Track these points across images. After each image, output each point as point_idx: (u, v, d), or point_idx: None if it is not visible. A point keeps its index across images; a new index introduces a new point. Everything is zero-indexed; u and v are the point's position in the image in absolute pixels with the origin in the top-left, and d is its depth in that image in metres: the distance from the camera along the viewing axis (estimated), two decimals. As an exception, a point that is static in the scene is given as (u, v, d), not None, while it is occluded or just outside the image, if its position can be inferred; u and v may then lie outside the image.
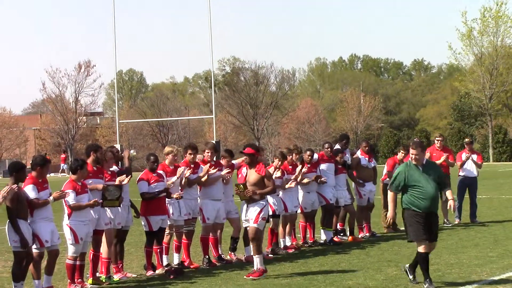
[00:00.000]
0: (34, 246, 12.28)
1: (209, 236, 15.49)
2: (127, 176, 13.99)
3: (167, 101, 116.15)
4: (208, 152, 15.70)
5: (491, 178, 44.86)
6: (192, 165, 15.34)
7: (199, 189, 15.53)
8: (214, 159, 15.85)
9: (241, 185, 13.80)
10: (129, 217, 14.45)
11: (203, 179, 15.25)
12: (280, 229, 17.04)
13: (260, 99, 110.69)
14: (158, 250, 14.63)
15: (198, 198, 15.49)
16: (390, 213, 12.70)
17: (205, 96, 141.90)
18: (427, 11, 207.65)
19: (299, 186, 17.43)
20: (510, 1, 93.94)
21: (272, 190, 14.18)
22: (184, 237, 15.19)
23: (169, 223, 14.83)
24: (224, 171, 15.56)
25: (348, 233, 18.73)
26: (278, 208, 16.66)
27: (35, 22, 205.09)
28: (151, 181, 14.43)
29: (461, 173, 21.76)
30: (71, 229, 12.89)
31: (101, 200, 13.27)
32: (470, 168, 21.72)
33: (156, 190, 14.31)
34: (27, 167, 12.70)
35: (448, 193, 12.65)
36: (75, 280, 13.04)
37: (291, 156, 17.32)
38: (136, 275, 14.39)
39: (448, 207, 12.69)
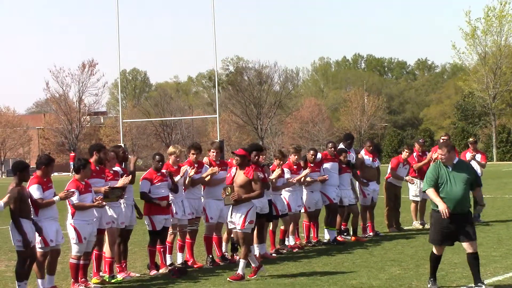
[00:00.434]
0: (38, 246, 12.29)
1: (213, 236, 15.50)
2: (130, 183, 14.01)
3: (170, 101, 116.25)
4: (213, 152, 15.70)
5: (495, 178, 44.86)
6: (195, 165, 15.35)
7: (202, 189, 15.53)
8: (219, 158, 15.85)
9: (229, 188, 13.56)
10: (133, 216, 14.45)
11: (206, 179, 15.26)
12: (283, 228, 17.04)
13: (263, 99, 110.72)
14: (162, 249, 14.64)
15: (202, 197, 15.49)
16: (442, 205, 11.66)
17: (208, 96, 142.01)
18: (430, 11, 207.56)
19: (302, 185, 17.45)
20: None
21: (258, 195, 13.85)
22: (187, 236, 15.20)
23: (172, 222, 14.83)
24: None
25: (351, 233, 18.71)
26: (282, 208, 16.66)
27: (38, 21, 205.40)
28: (155, 181, 14.44)
29: (465, 173, 21.71)
30: (74, 228, 12.90)
31: (103, 198, 13.26)
32: (474, 167, 21.66)
33: (156, 196, 14.32)
34: (31, 166, 12.71)
35: (478, 195, 12.37)
36: (79, 279, 13.05)
37: (296, 156, 17.32)
38: (139, 275, 14.39)
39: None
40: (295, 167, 17.26)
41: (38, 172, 12.55)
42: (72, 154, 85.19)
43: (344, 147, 19.02)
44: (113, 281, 13.66)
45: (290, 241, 17.19)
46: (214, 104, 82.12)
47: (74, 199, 12.76)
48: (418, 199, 20.77)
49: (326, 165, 18.02)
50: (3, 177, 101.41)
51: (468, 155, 21.64)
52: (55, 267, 12.73)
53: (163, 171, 14.64)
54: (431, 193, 11.81)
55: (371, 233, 19.14)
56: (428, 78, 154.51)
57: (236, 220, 13.59)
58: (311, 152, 17.98)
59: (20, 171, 12.12)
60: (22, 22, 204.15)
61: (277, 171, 16.32)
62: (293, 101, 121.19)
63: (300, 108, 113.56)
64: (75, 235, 12.90)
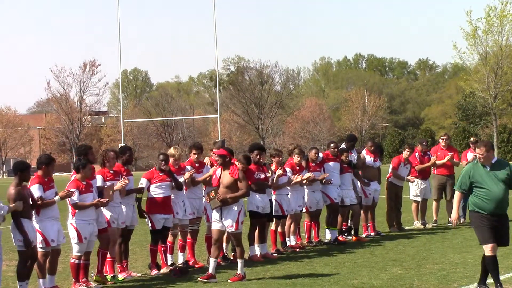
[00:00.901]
0: (39, 245, 12.29)
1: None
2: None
3: (171, 101, 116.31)
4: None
5: (496, 178, 44.83)
6: (197, 165, 15.35)
7: (204, 188, 15.52)
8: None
9: (212, 192, 13.37)
10: (134, 216, 14.44)
11: (207, 179, 15.24)
12: (285, 228, 17.05)
13: (264, 98, 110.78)
14: (163, 249, 14.64)
15: (203, 197, 15.48)
16: (454, 214, 11.77)
17: (209, 96, 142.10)
18: (431, 11, 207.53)
19: (304, 185, 17.45)
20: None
21: (245, 194, 13.79)
22: (188, 236, 15.19)
23: (174, 222, 14.83)
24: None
25: (352, 233, 18.70)
26: (288, 208, 16.67)
27: (40, 21, 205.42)
28: (154, 180, 14.45)
29: (466, 173, 21.68)
30: (75, 228, 12.89)
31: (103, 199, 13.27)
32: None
33: (157, 196, 14.33)
34: (32, 166, 12.70)
35: None
36: (80, 279, 13.04)
37: (299, 157, 17.29)
38: (140, 274, 14.39)
39: None
40: (297, 167, 17.25)
41: (39, 172, 12.55)
42: None
43: (346, 147, 19.00)
44: (114, 280, 13.67)
45: (292, 241, 17.19)
46: (215, 104, 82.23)
47: (75, 198, 12.76)
48: (418, 199, 20.76)
49: (328, 165, 18.00)
50: (4, 177, 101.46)
51: (469, 155, 21.62)
52: (56, 267, 12.73)
53: (162, 168, 14.62)
54: (456, 197, 11.58)
55: (372, 233, 19.14)
56: (429, 78, 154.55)
57: (229, 223, 13.45)
58: (313, 151, 17.98)
59: (21, 171, 12.11)
60: (23, 22, 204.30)
61: (278, 171, 16.32)
62: (294, 101, 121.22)
63: (301, 108, 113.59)
64: (76, 235, 12.90)
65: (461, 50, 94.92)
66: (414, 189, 20.77)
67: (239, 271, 13.35)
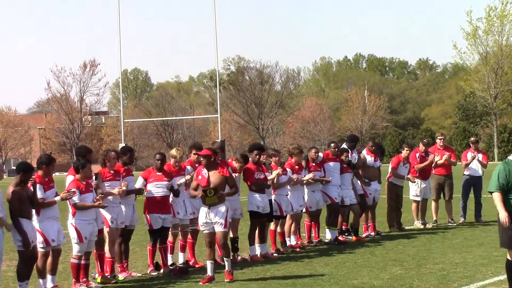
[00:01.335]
0: (40, 245, 12.29)
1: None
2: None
3: (172, 100, 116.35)
4: (215, 152, 15.67)
5: (496, 178, 44.81)
6: (197, 165, 15.34)
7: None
8: (220, 158, 15.83)
9: (212, 190, 13.24)
10: (134, 216, 14.45)
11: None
12: (286, 228, 17.05)
13: (265, 98, 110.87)
14: (163, 249, 14.64)
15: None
16: (502, 213, 10.72)
17: (210, 95, 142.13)
18: (432, 10, 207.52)
19: (304, 185, 17.47)
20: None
21: (236, 191, 13.89)
22: (189, 236, 15.20)
23: (174, 222, 14.83)
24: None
25: (352, 233, 18.70)
26: (286, 209, 16.68)
27: (39, 21, 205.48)
28: (150, 180, 14.46)
29: (466, 172, 21.72)
30: (75, 228, 12.89)
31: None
32: (475, 167, 21.67)
33: (154, 196, 14.35)
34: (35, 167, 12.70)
35: None
36: (80, 279, 13.05)
37: (298, 157, 17.31)
38: (141, 274, 14.39)
39: None
40: (296, 167, 17.26)
41: (39, 172, 12.55)
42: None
43: (347, 147, 19.00)
44: (115, 280, 13.67)
45: (292, 240, 17.19)
46: (216, 104, 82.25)
47: (75, 198, 12.77)
48: (418, 199, 20.75)
49: (328, 165, 18.00)
50: (5, 176, 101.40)
51: (469, 155, 21.62)
52: (56, 267, 12.73)
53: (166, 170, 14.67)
54: (496, 197, 10.83)
55: (372, 233, 19.14)
56: (429, 78, 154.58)
57: (218, 220, 13.33)
58: (313, 150, 17.99)
59: (24, 171, 12.08)
60: (24, 22, 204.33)
61: (276, 172, 16.30)
62: (294, 101, 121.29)
63: (301, 108, 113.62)
64: (76, 235, 12.91)
65: (461, 50, 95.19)
66: (413, 189, 20.76)
67: (228, 268, 13.33)
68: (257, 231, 15.84)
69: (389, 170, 20.38)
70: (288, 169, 16.95)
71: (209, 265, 13.39)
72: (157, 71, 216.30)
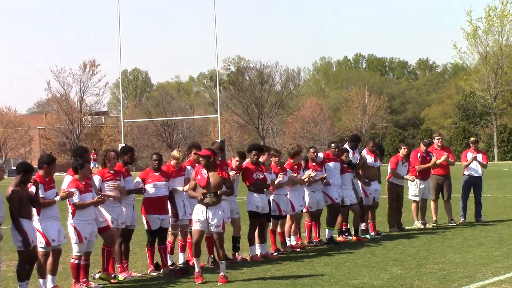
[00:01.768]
0: (40, 245, 12.29)
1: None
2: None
3: (172, 101, 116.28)
4: (215, 152, 15.65)
5: (496, 177, 44.86)
6: (197, 165, 15.34)
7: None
8: (220, 159, 15.82)
9: (212, 193, 13.22)
10: (134, 216, 14.46)
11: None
12: (286, 228, 17.05)
13: (265, 98, 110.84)
14: (163, 249, 14.64)
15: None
16: None
17: (210, 96, 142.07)
18: (432, 10, 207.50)
19: (304, 185, 17.47)
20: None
21: (230, 194, 14.02)
22: (188, 236, 15.18)
23: (174, 222, 14.83)
24: (231, 173, 15.47)
25: (352, 233, 18.70)
26: (285, 209, 16.68)
27: (39, 21, 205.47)
28: (148, 180, 14.46)
29: (466, 172, 21.71)
30: (75, 228, 12.90)
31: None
32: (475, 167, 21.67)
33: (152, 196, 14.36)
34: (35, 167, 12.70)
35: None
36: (80, 279, 13.04)
37: (295, 158, 17.34)
38: (141, 274, 14.40)
39: None
40: (295, 166, 17.27)
41: (40, 172, 12.56)
42: (93, 152, 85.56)
43: (348, 147, 18.98)
44: (114, 280, 13.68)
45: (292, 241, 17.19)
46: (216, 104, 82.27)
47: (75, 198, 12.77)
48: (417, 199, 20.73)
49: (328, 165, 17.99)
50: (5, 177, 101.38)
51: (469, 155, 21.61)
52: (56, 267, 12.73)
53: (164, 171, 14.68)
54: None
55: (372, 233, 19.14)
56: (429, 77, 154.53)
57: (217, 222, 13.36)
58: (312, 150, 17.99)
59: (25, 172, 12.09)
60: (23, 22, 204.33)
61: (281, 176, 16.34)
62: (294, 101, 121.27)
63: (301, 108, 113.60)
64: (76, 235, 12.91)
65: (461, 50, 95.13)
66: (412, 189, 20.75)
67: (222, 272, 13.28)
68: (256, 231, 15.84)
69: (388, 170, 20.36)
70: (288, 170, 16.95)
71: (196, 262, 13.43)
72: (157, 71, 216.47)
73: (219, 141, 30.66)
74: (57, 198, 12.43)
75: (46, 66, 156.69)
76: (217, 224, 13.34)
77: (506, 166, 68.22)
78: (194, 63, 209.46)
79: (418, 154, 20.79)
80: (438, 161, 20.82)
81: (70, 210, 12.97)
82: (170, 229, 14.93)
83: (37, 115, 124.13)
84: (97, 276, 13.90)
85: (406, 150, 20.35)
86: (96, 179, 13.77)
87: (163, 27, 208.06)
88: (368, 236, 18.65)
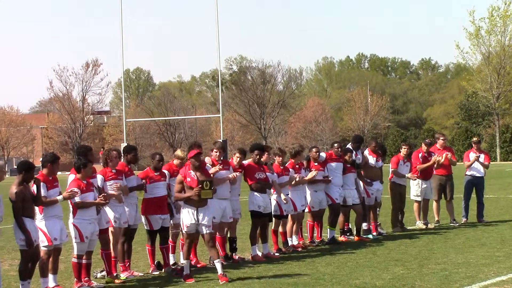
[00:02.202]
0: (42, 244, 12.29)
1: (216, 235, 15.46)
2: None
3: (174, 100, 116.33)
4: (216, 152, 15.64)
5: (498, 178, 44.84)
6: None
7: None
8: (221, 158, 15.83)
9: (207, 182, 13.26)
10: (137, 215, 14.47)
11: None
12: (288, 228, 17.04)
13: (267, 98, 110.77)
14: (164, 249, 14.64)
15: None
16: None
17: (212, 95, 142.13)
18: (434, 10, 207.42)
19: (306, 185, 17.47)
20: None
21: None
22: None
23: (175, 222, 14.83)
24: (234, 173, 15.45)
25: (354, 233, 18.69)
26: (287, 208, 16.67)
27: (42, 20, 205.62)
28: (149, 180, 14.45)
29: (468, 173, 21.69)
30: (76, 227, 12.89)
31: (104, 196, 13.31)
32: (477, 167, 21.64)
33: (153, 196, 14.36)
34: (37, 166, 12.69)
35: None
36: (82, 278, 13.05)
37: (296, 158, 17.35)
38: (142, 274, 14.40)
39: None
40: (297, 166, 17.27)
41: (44, 171, 12.57)
42: (101, 152, 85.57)
43: (351, 148, 18.96)
44: (118, 280, 13.68)
45: (294, 240, 17.18)
46: (218, 104, 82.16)
47: (77, 198, 12.77)
48: (419, 199, 20.72)
49: (331, 165, 17.97)
50: (7, 176, 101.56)
51: (471, 155, 21.58)
52: (57, 266, 12.74)
53: (164, 171, 14.69)
54: None
55: (374, 233, 19.12)
56: (431, 77, 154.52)
57: (206, 223, 13.39)
58: (314, 149, 17.97)
59: (26, 170, 12.10)
60: (26, 21, 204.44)
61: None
62: (296, 101, 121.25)
63: (304, 108, 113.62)
64: (77, 234, 12.91)
65: (464, 50, 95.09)
66: (414, 189, 20.74)
67: (220, 272, 13.25)
68: (258, 231, 15.84)
69: (390, 171, 20.34)
70: (290, 169, 16.95)
71: (185, 263, 13.45)
72: (159, 70, 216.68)
73: (221, 140, 30.69)
74: (60, 197, 12.43)
75: (49, 65, 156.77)
76: (207, 224, 13.38)
77: (508, 167, 68.18)
78: (196, 63, 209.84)
79: (420, 155, 20.77)
80: (439, 158, 20.74)
81: (72, 210, 12.97)
82: (171, 228, 14.92)
83: (39, 114, 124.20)
84: (99, 275, 13.92)
85: (407, 149, 20.34)
86: (99, 178, 13.77)
87: (165, 26, 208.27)
88: (370, 236, 18.64)
